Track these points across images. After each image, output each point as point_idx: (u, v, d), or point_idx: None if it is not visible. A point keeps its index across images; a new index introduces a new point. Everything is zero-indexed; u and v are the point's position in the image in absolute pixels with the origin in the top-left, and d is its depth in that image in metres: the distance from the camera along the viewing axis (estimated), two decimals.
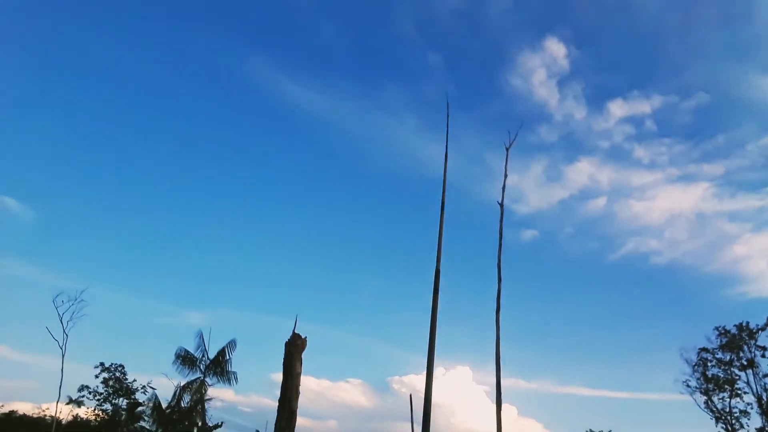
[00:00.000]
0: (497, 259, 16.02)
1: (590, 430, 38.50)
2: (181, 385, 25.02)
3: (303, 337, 7.60)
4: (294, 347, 7.47)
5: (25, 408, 34.08)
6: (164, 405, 25.05)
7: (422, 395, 8.94)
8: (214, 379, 24.79)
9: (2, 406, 34.21)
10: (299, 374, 7.33)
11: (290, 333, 7.44)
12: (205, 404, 24.08)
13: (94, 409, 33.48)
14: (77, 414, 35.24)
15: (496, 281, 15.63)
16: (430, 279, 11.49)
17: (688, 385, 35.00)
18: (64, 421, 33.27)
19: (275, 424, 7.07)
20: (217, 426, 28.39)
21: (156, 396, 25.43)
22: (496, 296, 15.37)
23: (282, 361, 7.39)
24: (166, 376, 25.52)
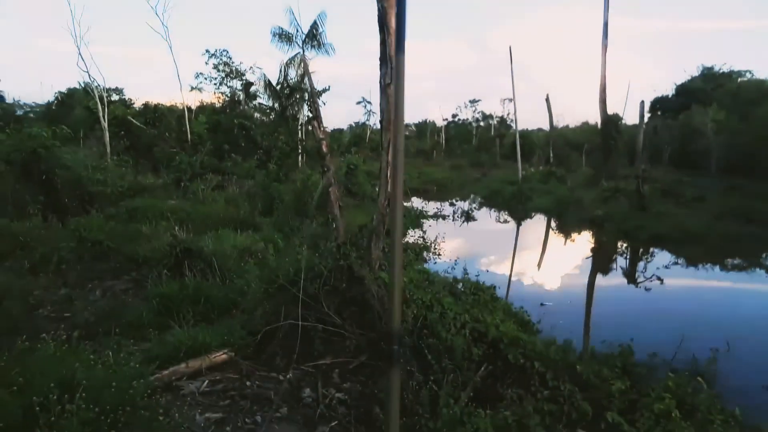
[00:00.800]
0: None
1: None
2: (284, 62, 25.98)
3: None
4: (387, 1, 6.97)
5: (157, 99, 38.11)
6: (273, 83, 26.60)
7: None
8: (313, 53, 25.32)
9: (137, 99, 38.47)
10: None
11: None
12: (310, 75, 25.22)
13: (215, 93, 36.77)
14: (202, 99, 39.08)
15: None
16: None
17: None
18: (193, 107, 37.24)
19: (380, 80, 7.10)
20: (324, 90, 30.81)
21: (264, 75, 26.87)
22: None
23: (377, 18, 6.98)
24: (269, 56, 26.41)
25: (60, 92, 39.59)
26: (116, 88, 42.92)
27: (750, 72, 48.24)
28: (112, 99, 35.48)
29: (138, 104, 35.76)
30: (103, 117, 25.13)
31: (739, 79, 48.18)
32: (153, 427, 3.63)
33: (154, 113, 29.45)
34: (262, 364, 5.59)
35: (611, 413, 4.35)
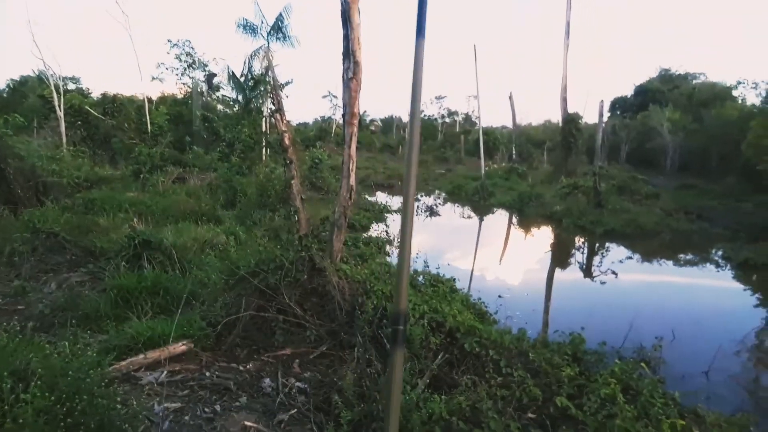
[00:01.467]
0: None
1: None
2: (250, 54, 25.72)
3: None
4: None
5: (116, 89, 37.09)
6: (236, 75, 26.27)
7: None
8: (277, 45, 25.13)
9: (95, 88, 37.34)
10: (359, 25, 7.05)
11: None
12: (274, 69, 25.05)
13: (176, 84, 36.07)
14: (163, 90, 38.24)
15: None
16: None
17: None
18: (154, 98, 36.41)
19: (342, 75, 7.17)
20: (288, 82, 30.80)
21: (228, 66, 26.53)
22: None
23: (340, 14, 7.04)
24: (233, 49, 26.08)
25: (12, 79, 38.20)
26: (73, 76, 41.65)
27: (704, 74, 50.19)
28: (69, 88, 34.38)
29: (96, 94, 34.80)
30: (59, 106, 24.39)
31: (694, 81, 50.01)
32: (110, 415, 3.62)
33: (112, 103, 28.69)
34: (222, 355, 5.61)
35: (560, 398, 4.56)
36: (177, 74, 35.59)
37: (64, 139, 23.89)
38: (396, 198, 26.78)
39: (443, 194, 30.30)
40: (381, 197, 26.04)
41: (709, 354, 6.74)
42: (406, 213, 2.21)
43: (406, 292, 2.20)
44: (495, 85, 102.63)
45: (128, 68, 66.40)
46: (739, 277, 12.87)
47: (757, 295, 11.60)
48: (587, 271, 13.24)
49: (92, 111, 26.90)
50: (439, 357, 5.34)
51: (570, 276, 12.90)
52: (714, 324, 8.91)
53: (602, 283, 11.65)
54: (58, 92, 24.62)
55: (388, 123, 74.94)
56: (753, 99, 40.46)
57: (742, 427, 4.55)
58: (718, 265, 14.20)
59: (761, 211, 20.69)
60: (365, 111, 65.70)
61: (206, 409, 4.48)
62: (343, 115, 7.37)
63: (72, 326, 5.88)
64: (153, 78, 36.32)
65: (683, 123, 37.00)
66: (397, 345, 2.17)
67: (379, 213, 18.71)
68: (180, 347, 5.44)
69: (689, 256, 15.45)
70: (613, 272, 12.44)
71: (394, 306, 2.20)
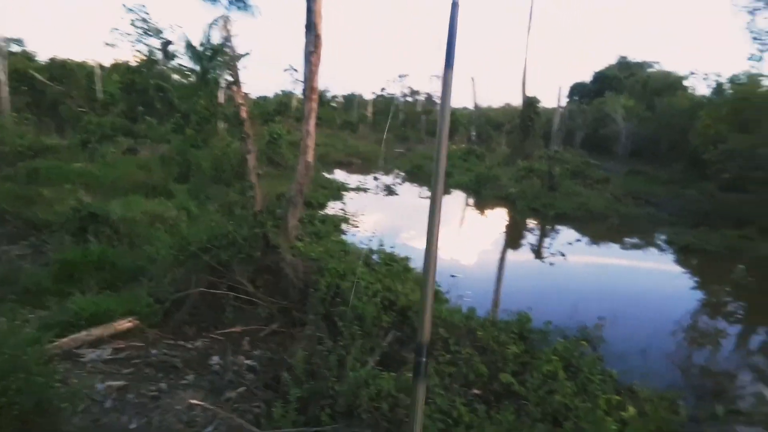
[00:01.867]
0: None
1: None
2: (209, 23, 24.84)
3: None
4: None
5: (66, 54, 35.29)
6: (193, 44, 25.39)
7: None
8: (238, 14, 24.36)
9: (42, 52, 35.40)
10: None
11: None
12: (232, 39, 24.32)
13: (131, 51, 34.57)
14: (116, 58, 36.61)
15: None
16: None
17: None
18: (107, 65, 34.82)
19: (304, 48, 7.05)
20: (246, 54, 29.95)
21: (186, 35, 25.60)
22: None
23: None
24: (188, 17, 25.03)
25: None
26: (17, 38, 39.33)
27: (658, 63, 51.54)
28: (12, 50, 32.47)
29: (43, 58, 33.06)
30: (2, 70, 23.07)
31: (649, 70, 51.31)
32: (48, 394, 3.52)
33: (61, 69, 27.33)
34: (170, 333, 5.52)
35: (504, 374, 4.70)
36: (131, 41, 34.10)
37: (8, 105, 22.69)
38: (355, 176, 26.65)
39: (403, 173, 30.33)
40: (340, 175, 25.87)
41: (648, 333, 7.07)
42: (430, 248, 2.07)
43: (429, 324, 2.08)
44: (457, 65, 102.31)
45: (79, 32, 63.12)
46: (679, 261, 13.46)
47: (695, 279, 12.19)
48: (538, 252, 13.58)
49: (38, 76, 25.60)
50: (390, 335, 5.41)
51: (521, 257, 13.22)
52: (654, 305, 9.33)
53: (551, 264, 11.98)
54: (0, 55, 23.27)
55: (350, 100, 74.05)
56: (703, 90, 41.81)
57: (671, 402, 4.82)
58: (660, 249, 14.80)
59: (705, 198, 21.62)
60: (326, 87, 64.73)
61: (151, 387, 4.41)
62: (303, 90, 7.27)
63: (11, 301, 5.66)
64: (106, 44, 34.71)
65: (637, 110, 38.02)
66: (419, 377, 2.04)
67: (337, 191, 18.62)
68: (126, 324, 5.32)
69: (634, 240, 16.04)
70: (562, 254, 12.79)
71: (418, 337, 2.08)
